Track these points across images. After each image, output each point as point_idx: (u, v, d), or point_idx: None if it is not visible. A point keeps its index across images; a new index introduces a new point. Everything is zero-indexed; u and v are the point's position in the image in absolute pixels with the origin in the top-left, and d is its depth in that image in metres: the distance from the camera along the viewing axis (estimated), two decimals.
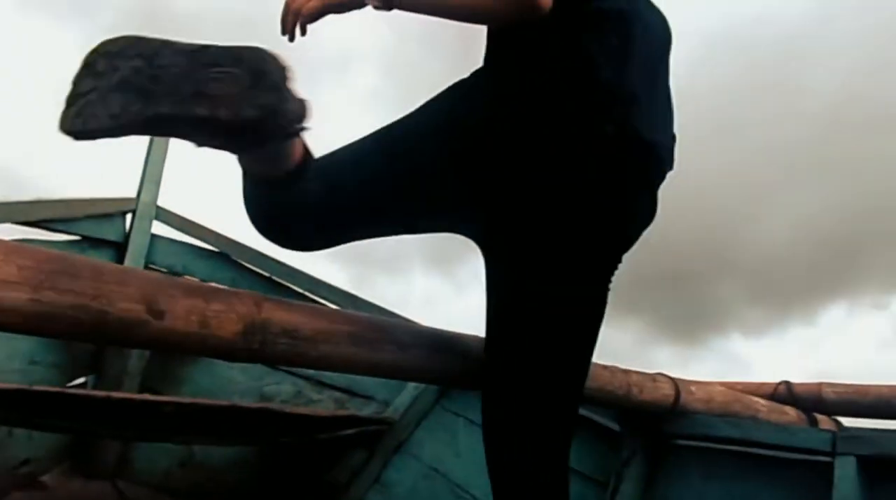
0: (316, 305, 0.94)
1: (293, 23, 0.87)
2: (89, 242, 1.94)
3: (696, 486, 1.42)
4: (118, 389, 1.72)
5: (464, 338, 1.08)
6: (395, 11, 0.86)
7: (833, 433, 1.29)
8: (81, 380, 1.88)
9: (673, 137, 0.97)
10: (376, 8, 0.86)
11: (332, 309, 0.94)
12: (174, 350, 0.88)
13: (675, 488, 1.44)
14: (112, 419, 1.43)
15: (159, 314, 0.73)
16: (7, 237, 1.71)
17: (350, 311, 0.96)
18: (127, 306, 0.71)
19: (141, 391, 1.76)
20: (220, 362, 1.96)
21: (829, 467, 1.25)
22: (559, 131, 0.85)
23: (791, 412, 1.80)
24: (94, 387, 1.84)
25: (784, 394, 1.97)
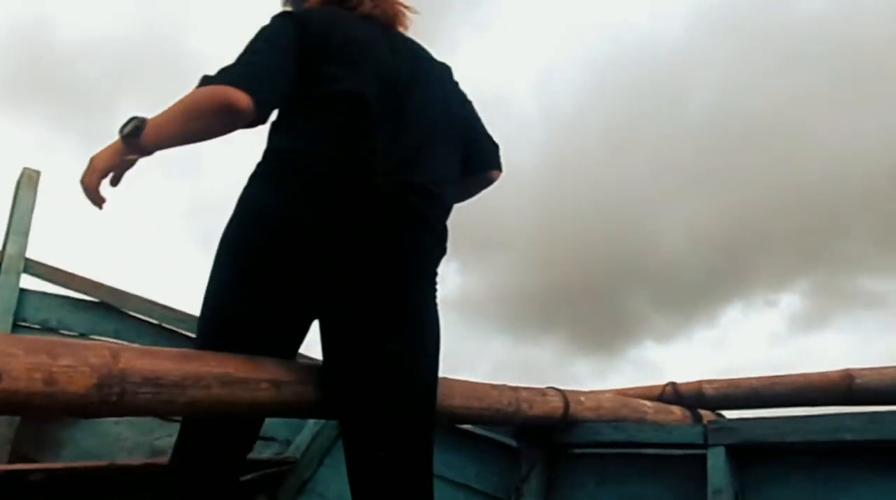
0: (184, 350, 0.91)
1: (93, 199, 1.03)
2: None
3: (591, 491, 1.48)
4: None
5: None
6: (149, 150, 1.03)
7: (704, 426, 1.39)
8: None
9: (445, 178, 1.14)
10: (134, 155, 1.03)
11: (201, 352, 0.92)
12: (18, 413, 0.82)
13: (572, 496, 1.50)
14: None
15: None
16: None
17: (222, 353, 0.94)
18: None
19: (12, 461, 1.62)
20: (105, 420, 1.86)
21: (704, 458, 1.34)
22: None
23: (677, 411, 1.92)
24: None
25: (671, 394, 2.09)
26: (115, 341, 1.86)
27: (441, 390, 1.24)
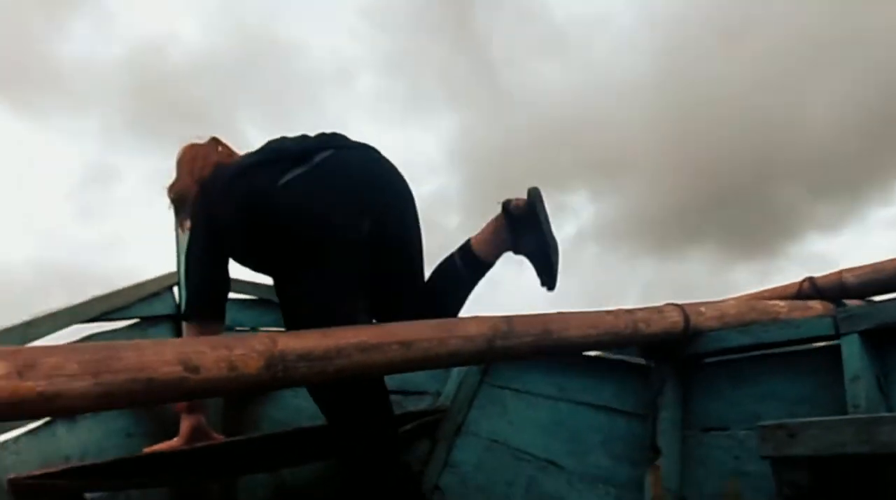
0: (325, 329, 1.09)
1: None
2: (148, 321, 2.17)
3: (728, 395, 1.52)
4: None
5: (462, 322, 1.23)
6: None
7: (833, 316, 1.36)
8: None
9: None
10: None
11: (339, 328, 1.09)
12: (214, 395, 1.05)
13: (709, 403, 1.54)
14: (206, 465, 1.64)
15: (195, 370, 0.90)
16: (76, 335, 1.96)
17: (355, 326, 1.12)
18: (168, 369, 0.88)
19: (226, 435, 1.97)
20: (286, 393, 2.18)
21: (838, 349, 1.33)
22: None
23: (816, 306, 1.86)
24: None
25: (809, 290, 2.02)
26: (275, 329, 2.17)
27: (557, 325, 1.35)
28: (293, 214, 1.34)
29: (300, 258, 1.34)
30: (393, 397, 2.11)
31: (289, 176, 1.36)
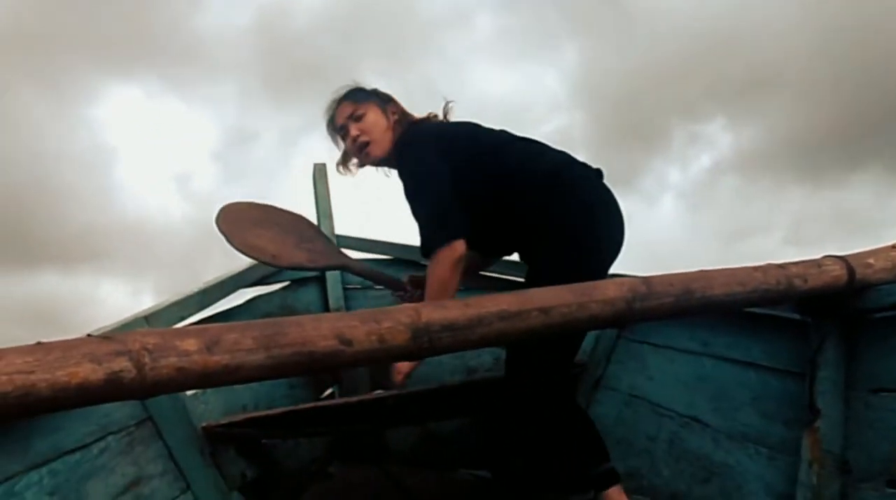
0: (467, 298, 1.13)
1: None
2: (297, 283, 2.37)
3: None
4: (356, 392, 2.11)
5: (600, 285, 1.21)
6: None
7: None
8: (329, 391, 2.33)
9: None
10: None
11: (480, 297, 1.13)
12: (366, 365, 1.14)
13: (879, 362, 1.41)
14: (360, 418, 1.80)
15: (349, 343, 0.98)
16: (240, 299, 2.18)
17: (495, 294, 1.14)
18: (326, 343, 0.97)
19: (373, 390, 2.13)
20: None
21: None
22: None
23: None
24: (340, 394, 2.26)
25: None
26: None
27: (700, 284, 1.29)
28: (597, 214, 1.54)
29: (564, 249, 1.50)
30: None
31: (595, 178, 1.60)
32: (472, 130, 1.66)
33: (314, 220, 2.58)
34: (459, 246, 1.48)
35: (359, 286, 2.48)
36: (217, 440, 1.68)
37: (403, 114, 1.73)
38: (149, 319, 1.65)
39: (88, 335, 0.92)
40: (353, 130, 1.68)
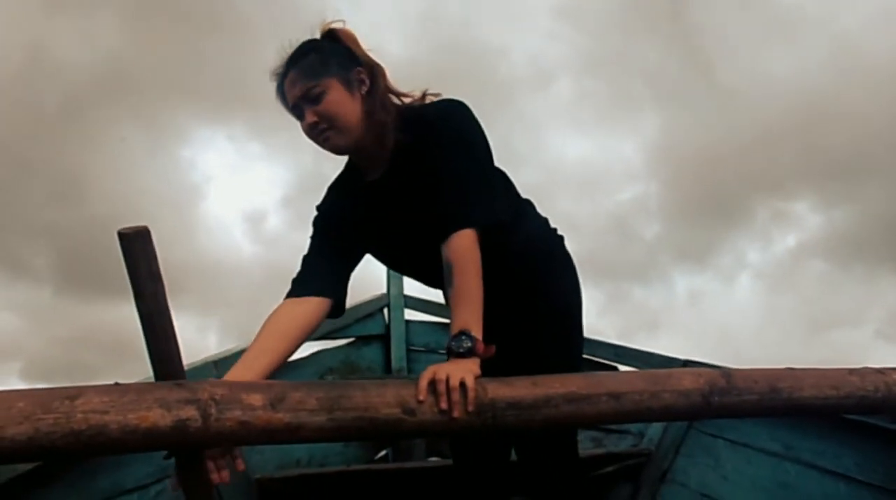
0: (534, 377, 1.09)
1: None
2: (362, 340, 2.39)
3: None
4: (410, 456, 2.06)
5: (676, 374, 1.15)
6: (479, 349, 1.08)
7: None
8: (383, 453, 2.29)
9: None
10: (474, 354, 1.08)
11: (548, 377, 1.08)
12: (427, 437, 1.11)
13: None
14: (413, 484, 1.75)
15: (411, 412, 0.96)
16: (305, 351, 2.21)
17: (564, 375, 1.10)
18: (388, 410, 0.95)
19: (428, 456, 2.08)
20: None
21: None
22: None
23: None
24: (394, 458, 2.22)
25: None
26: None
27: (787, 382, 1.20)
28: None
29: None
30: (593, 434, 2.06)
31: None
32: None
33: (384, 278, 2.62)
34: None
35: (423, 349, 2.47)
36: (269, 493, 1.67)
37: (381, 84, 1.25)
38: (217, 364, 1.69)
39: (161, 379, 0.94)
40: (309, 115, 1.20)
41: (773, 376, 1.20)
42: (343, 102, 1.21)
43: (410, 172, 1.24)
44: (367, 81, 1.23)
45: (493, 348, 1.09)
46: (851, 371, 1.25)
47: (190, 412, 0.86)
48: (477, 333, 1.09)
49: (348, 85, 1.22)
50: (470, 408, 0.99)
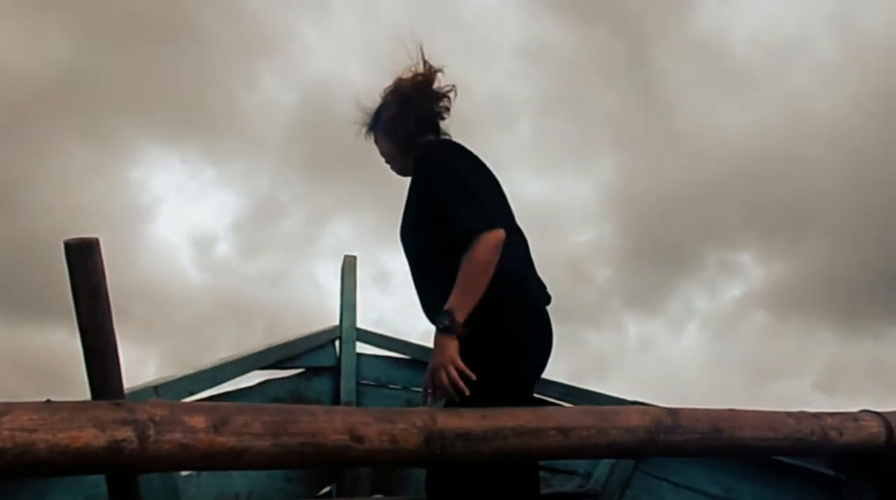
0: (485, 409, 1.09)
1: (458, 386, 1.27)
2: (312, 371, 2.34)
3: None
4: (354, 492, 2.01)
5: (623, 411, 1.16)
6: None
7: None
8: (327, 489, 2.22)
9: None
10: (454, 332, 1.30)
11: (497, 410, 1.09)
12: (375, 465, 1.09)
13: None
14: None
15: (359, 440, 0.95)
16: (255, 379, 2.15)
17: (513, 408, 1.11)
18: (336, 437, 0.93)
19: (372, 493, 2.03)
20: None
21: None
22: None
23: None
24: (338, 494, 2.15)
25: None
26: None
27: (729, 423, 1.24)
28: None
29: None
30: (541, 475, 2.04)
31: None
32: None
33: (337, 310, 2.59)
34: (502, 233, 1.34)
35: (373, 383, 2.43)
36: None
37: (412, 124, 1.55)
38: (158, 389, 1.63)
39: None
40: (381, 157, 1.67)
41: (716, 416, 1.23)
42: (389, 146, 1.62)
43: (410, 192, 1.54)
44: (401, 127, 1.59)
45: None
46: (789, 414, 1.30)
47: (126, 433, 0.83)
48: (459, 316, 1.29)
49: (386, 134, 1.61)
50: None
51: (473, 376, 1.26)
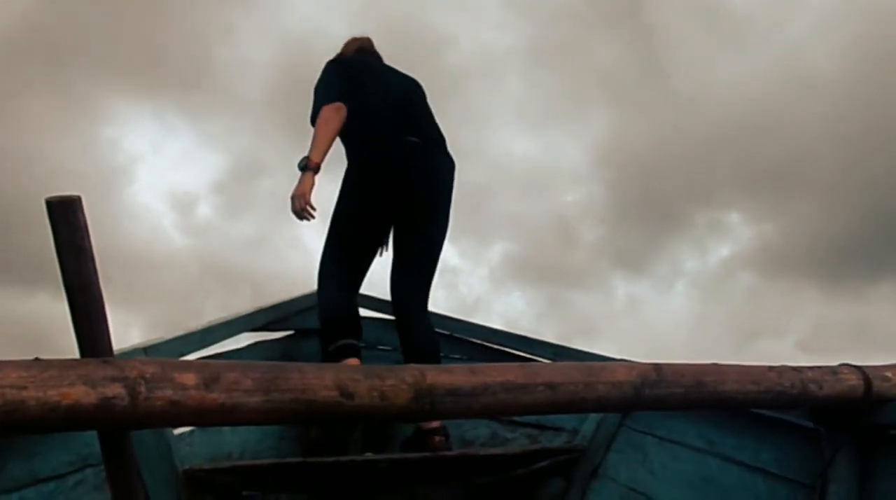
0: (474, 365, 1.11)
1: (307, 212, 2.01)
2: (301, 333, 2.35)
3: None
4: (345, 451, 2.04)
5: (610, 366, 1.18)
6: (318, 166, 2.01)
7: None
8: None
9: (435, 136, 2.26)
10: (312, 173, 2.00)
11: (486, 365, 1.10)
12: (366, 422, 1.10)
13: (893, 483, 1.35)
14: (348, 478, 1.73)
15: (350, 396, 0.95)
16: (245, 341, 2.16)
17: (502, 364, 1.12)
18: (326, 393, 0.94)
19: (363, 451, 2.06)
20: None
21: None
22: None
23: None
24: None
25: None
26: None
27: (712, 377, 1.26)
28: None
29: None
30: (529, 431, 2.09)
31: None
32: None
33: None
34: (340, 105, 2.02)
35: (363, 345, 2.44)
36: (197, 485, 1.61)
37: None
38: (147, 350, 1.63)
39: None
40: None
41: (700, 371, 1.26)
42: None
43: None
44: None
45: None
46: (771, 368, 1.32)
47: (116, 390, 0.83)
48: (313, 157, 1.97)
49: None
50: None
51: (316, 210, 1.98)
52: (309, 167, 1.93)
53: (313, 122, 2.02)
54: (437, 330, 2.21)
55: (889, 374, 1.40)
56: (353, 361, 1.96)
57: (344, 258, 2.10)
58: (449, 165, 2.20)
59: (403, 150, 2.05)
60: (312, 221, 1.99)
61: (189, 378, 0.88)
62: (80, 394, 0.81)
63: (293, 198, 1.94)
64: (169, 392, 0.86)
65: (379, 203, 2.06)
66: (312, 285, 2.56)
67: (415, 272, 2.11)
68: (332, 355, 1.97)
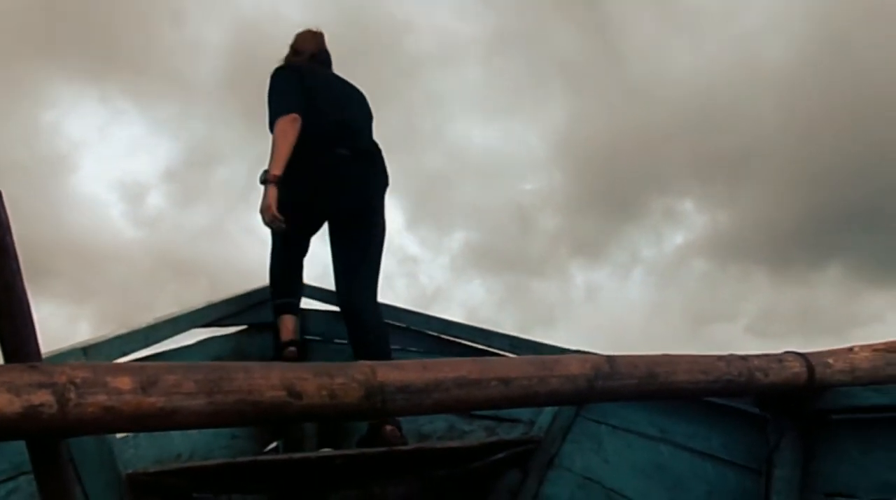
0: (426, 360, 1.09)
1: (276, 223, 2.08)
2: (255, 328, 2.29)
3: (856, 459, 1.37)
4: (300, 449, 2.00)
5: (563, 360, 1.18)
6: (278, 179, 2.08)
7: None
8: (273, 445, 2.21)
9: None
10: (273, 186, 2.05)
11: (438, 361, 1.08)
12: (315, 421, 1.07)
13: (834, 466, 1.39)
14: (302, 477, 1.70)
15: (298, 396, 0.92)
16: (196, 338, 2.09)
17: (454, 358, 1.10)
18: (273, 394, 0.91)
19: (319, 448, 2.03)
20: None
21: None
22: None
23: None
24: (284, 450, 2.14)
25: None
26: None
27: (664, 368, 1.28)
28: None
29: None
30: (485, 424, 2.10)
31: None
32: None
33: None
34: (295, 116, 2.10)
35: (318, 338, 2.40)
36: (142, 490, 1.55)
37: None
38: (87, 351, 1.55)
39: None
40: None
41: (652, 362, 1.27)
42: None
43: None
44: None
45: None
46: (720, 357, 1.35)
47: (43, 397, 0.78)
48: (273, 170, 2.06)
49: None
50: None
51: (281, 218, 2.03)
52: (269, 180, 2.02)
53: (271, 129, 2.12)
54: (393, 323, 2.19)
55: (831, 360, 1.45)
56: (289, 316, 2.24)
57: (285, 238, 2.32)
58: (378, 179, 2.30)
59: (330, 161, 2.16)
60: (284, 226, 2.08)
61: (124, 382, 0.83)
62: (3, 403, 0.76)
63: (261, 212, 2.04)
64: (102, 398, 0.81)
65: (306, 204, 2.20)
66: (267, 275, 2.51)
67: (352, 276, 2.19)
68: (275, 309, 2.27)
